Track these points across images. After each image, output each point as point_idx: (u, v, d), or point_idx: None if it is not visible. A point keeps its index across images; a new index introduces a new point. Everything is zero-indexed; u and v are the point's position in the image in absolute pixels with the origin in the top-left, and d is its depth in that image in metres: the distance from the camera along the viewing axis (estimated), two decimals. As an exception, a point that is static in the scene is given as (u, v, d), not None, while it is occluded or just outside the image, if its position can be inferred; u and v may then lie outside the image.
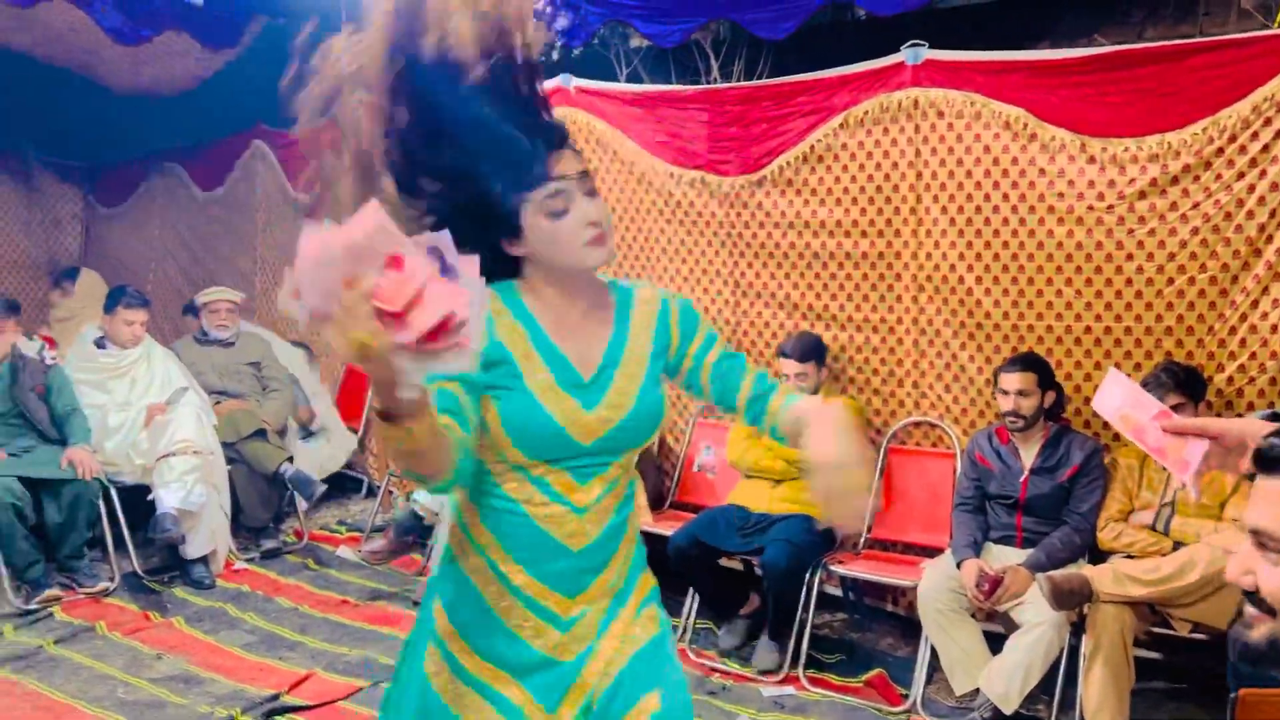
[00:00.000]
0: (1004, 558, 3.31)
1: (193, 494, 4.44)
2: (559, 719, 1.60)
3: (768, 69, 4.54)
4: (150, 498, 4.48)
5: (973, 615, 3.29)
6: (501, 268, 1.55)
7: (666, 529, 3.97)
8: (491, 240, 1.52)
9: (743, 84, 4.28)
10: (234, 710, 3.25)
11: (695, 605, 3.90)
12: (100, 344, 4.86)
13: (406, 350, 1.07)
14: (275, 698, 3.34)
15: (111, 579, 4.39)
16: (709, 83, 4.69)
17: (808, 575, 3.60)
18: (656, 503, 4.33)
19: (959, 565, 3.27)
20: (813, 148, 3.95)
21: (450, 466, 1.36)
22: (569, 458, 1.55)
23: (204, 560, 4.55)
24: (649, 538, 4.24)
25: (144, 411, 4.68)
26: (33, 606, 4.11)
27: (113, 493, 4.46)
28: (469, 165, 1.48)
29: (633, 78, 5.06)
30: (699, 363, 1.69)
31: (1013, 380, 3.31)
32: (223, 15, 5.16)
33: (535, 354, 1.54)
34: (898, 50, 3.70)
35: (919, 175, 3.74)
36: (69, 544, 4.32)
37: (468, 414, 1.45)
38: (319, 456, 5.41)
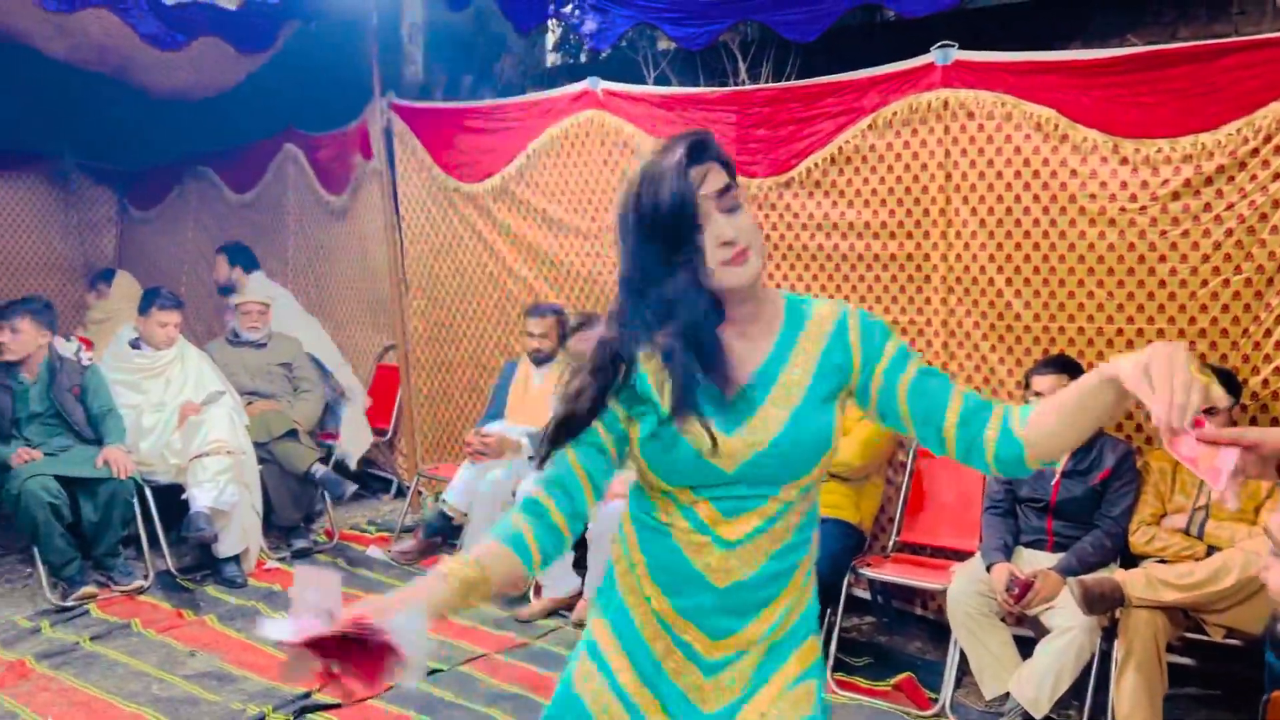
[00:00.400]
0: (1034, 561, 3.29)
1: (225, 493, 4.50)
2: None
3: (796, 71, 4.54)
4: (184, 497, 4.54)
5: (1002, 619, 3.27)
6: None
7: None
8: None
9: (771, 85, 4.28)
10: (266, 707, 3.29)
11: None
12: (135, 345, 4.93)
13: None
14: (307, 695, 3.37)
15: (146, 577, 4.45)
16: (737, 85, 4.70)
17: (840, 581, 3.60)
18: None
19: (989, 569, 3.26)
20: (841, 149, 3.94)
21: (519, 569, 1.45)
22: (711, 485, 1.46)
23: (236, 559, 4.60)
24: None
25: (178, 412, 4.74)
26: (69, 603, 4.18)
27: (147, 492, 4.53)
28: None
29: (660, 80, 5.08)
30: (891, 383, 1.48)
31: (1046, 382, 3.29)
32: (256, 20, 5.21)
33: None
34: (927, 51, 3.69)
35: (948, 177, 3.72)
36: (104, 542, 4.39)
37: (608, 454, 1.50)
38: (357, 423, 5.57)
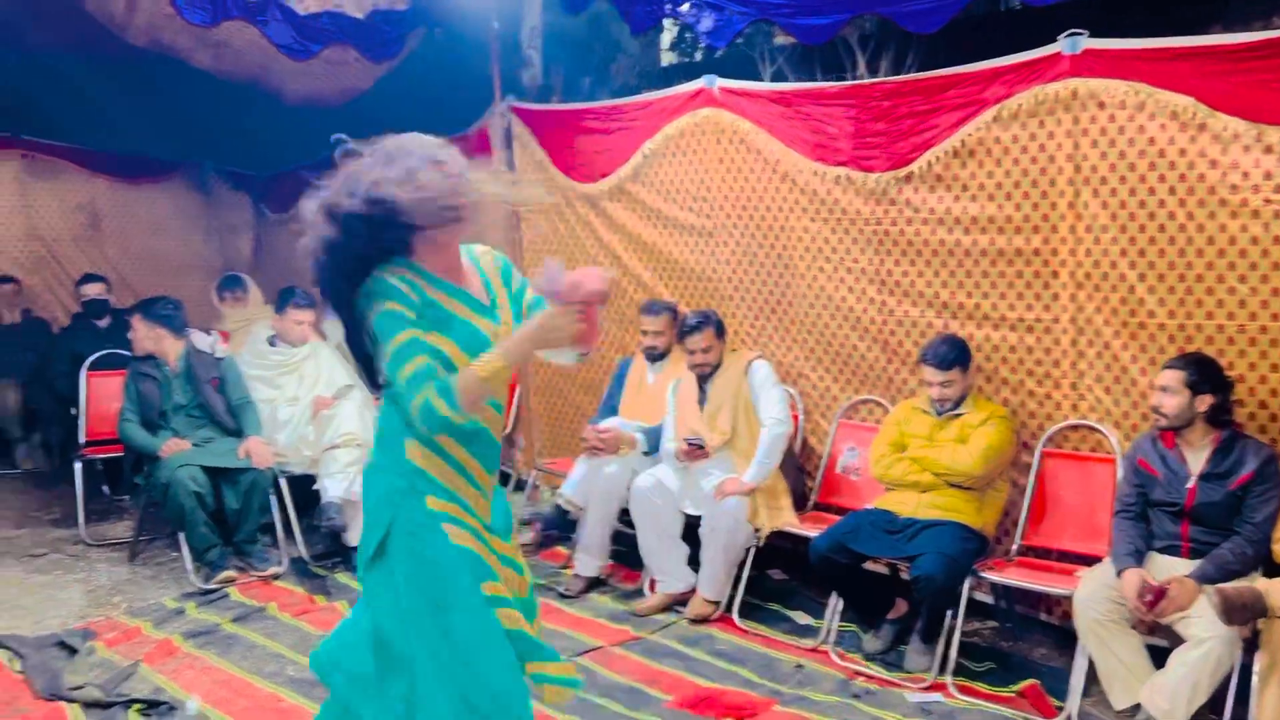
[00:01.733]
0: (1169, 568, 3.16)
1: (355, 484, 4.68)
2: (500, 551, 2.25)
3: (916, 64, 4.46)
4: (316, 487, 4.75)
5: (1134, 627, 3.15)
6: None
7: (810, 531, 3.95)
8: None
9: (890, 79, 4.21)
10: (393, 691, 3.40)
11: (839, 608, 3.86)
12: (271, 342, 5.17)
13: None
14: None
15: (281, 563, 4.67)
16: (855, 79, 4.64)
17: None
18: (799, 504, 4.31)
19: (1119, 574, 3.14)
20: (964, 142, 3.86)
21: None
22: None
23: (364, 548, 4.78)
24: (791, 538, 4.23)
25: (311, 405, 4.96)
26: (212, 586, 4.42)
27: (282, 482, 4.75)
28: None
29: (777, 76, 5.06)
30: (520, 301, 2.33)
31: (1162, 376, 3.20)
32: (384, 28, 5.40)
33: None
34: (1053, 40, 3.57)
35: (1077, 169, 3.60)
36: (245, 529, 4.63)
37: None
38: None
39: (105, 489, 5.85)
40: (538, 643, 2.25)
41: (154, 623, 4.04)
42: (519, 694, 2.15)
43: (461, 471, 2.18)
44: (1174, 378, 3.18)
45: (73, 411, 5.52)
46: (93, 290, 6.40)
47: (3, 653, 3.71)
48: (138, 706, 3.28)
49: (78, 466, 5.21)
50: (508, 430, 5.98)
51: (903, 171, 4.05)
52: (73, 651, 3.71)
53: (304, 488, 4.87)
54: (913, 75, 4.16)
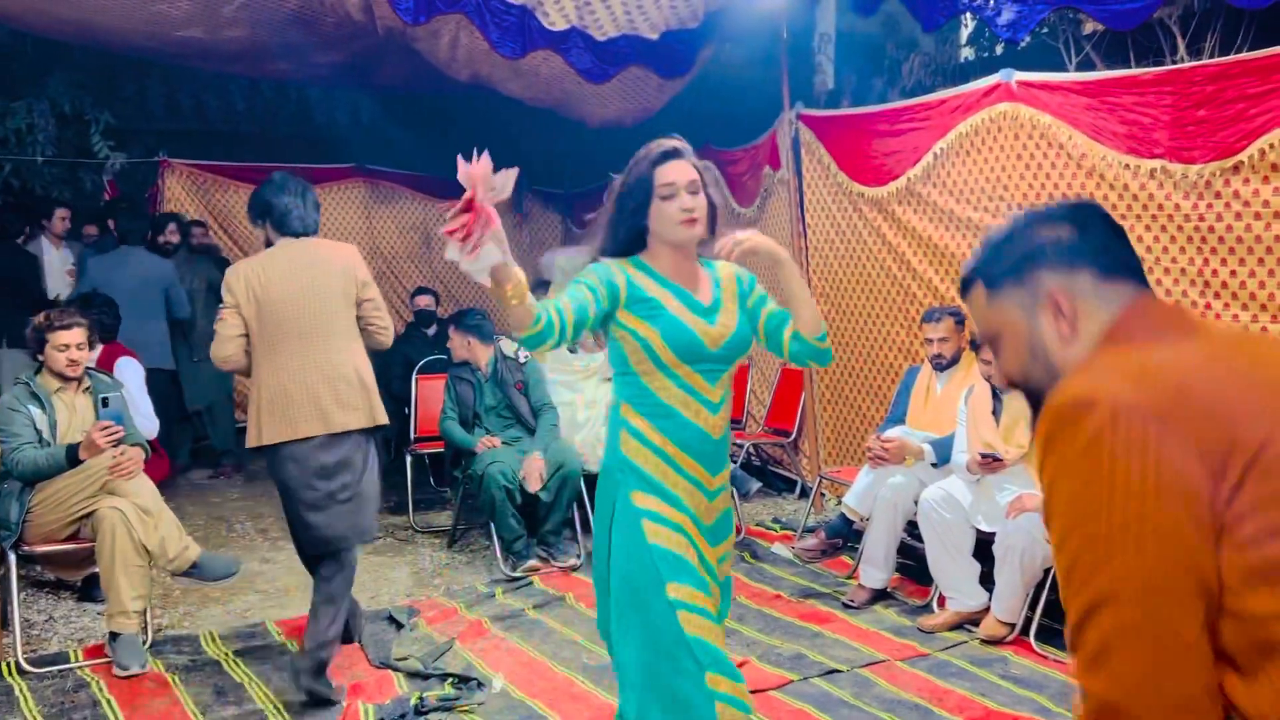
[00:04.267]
0: None
1: (645, 484, 4.88)
2: (713, 555, 2.36)
3: (1249, 43, 4.01)
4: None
5: None
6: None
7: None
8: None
9: (1216, 60, 3.82)
10: (676, 686, 3.52)
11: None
12: (573, 349, 5.51)
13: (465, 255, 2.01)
14: (713, 679, 3.57)
15: (579, 556, 4.96)
16: (1174, 63, 4.25)
17: None
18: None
19: None
20: (1305, 126, 3.43)
21: (529, 318, 2.15)
22: (699, 360, 2.31)
23: (655, 546, 4.98)
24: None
25: (606, 408, 5.24)
26: (518, 574, 4.78)
27: (582, 480, 5.04)
28: None
29: (1084, 66, 4.74)
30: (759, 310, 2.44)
31: None
32: (677, 47, 5.61)
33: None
34: None
35: None
36: (551, 521, 4.95)
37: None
38: None
39: (431, 481, 6.48)
40: (720, 655, 2.23)
41: (467, 604, 4.42)
42: (695, 701, 2.16)
43: (673, 465, 2.28)
44: None
45: (406, 411, 6.16)
46: (423, 302, 7.11)
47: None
48: (451, 680, 3.61)
49: (409, 460, 5.81)
50: (793, 436, 6.00)
51: (1230, 161, 3.66)
52: (399, 626, 4.15)
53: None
54: (1243, 55, 3.75)
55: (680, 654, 2.18)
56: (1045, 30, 5.15)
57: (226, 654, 3.89)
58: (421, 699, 3.41)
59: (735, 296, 2.41)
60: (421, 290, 7.29)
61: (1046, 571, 3.88)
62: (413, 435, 5.99)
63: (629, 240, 2.36)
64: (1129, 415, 1.09)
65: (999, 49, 6.21)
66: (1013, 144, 4.48)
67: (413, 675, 3.66)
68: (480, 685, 3.56)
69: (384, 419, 3.56)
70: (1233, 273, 3.76)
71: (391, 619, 4.23)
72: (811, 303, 2.39)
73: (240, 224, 7.82)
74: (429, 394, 6.00)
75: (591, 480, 5.09)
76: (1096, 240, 1.30)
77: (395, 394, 6.38)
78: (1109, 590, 1.09)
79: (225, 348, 3.43)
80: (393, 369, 6.41)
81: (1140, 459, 1.08)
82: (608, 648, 2.43)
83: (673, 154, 2.31)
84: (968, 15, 5.58)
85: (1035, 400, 1.32)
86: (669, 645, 2.19)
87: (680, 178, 2.28)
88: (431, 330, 7.02)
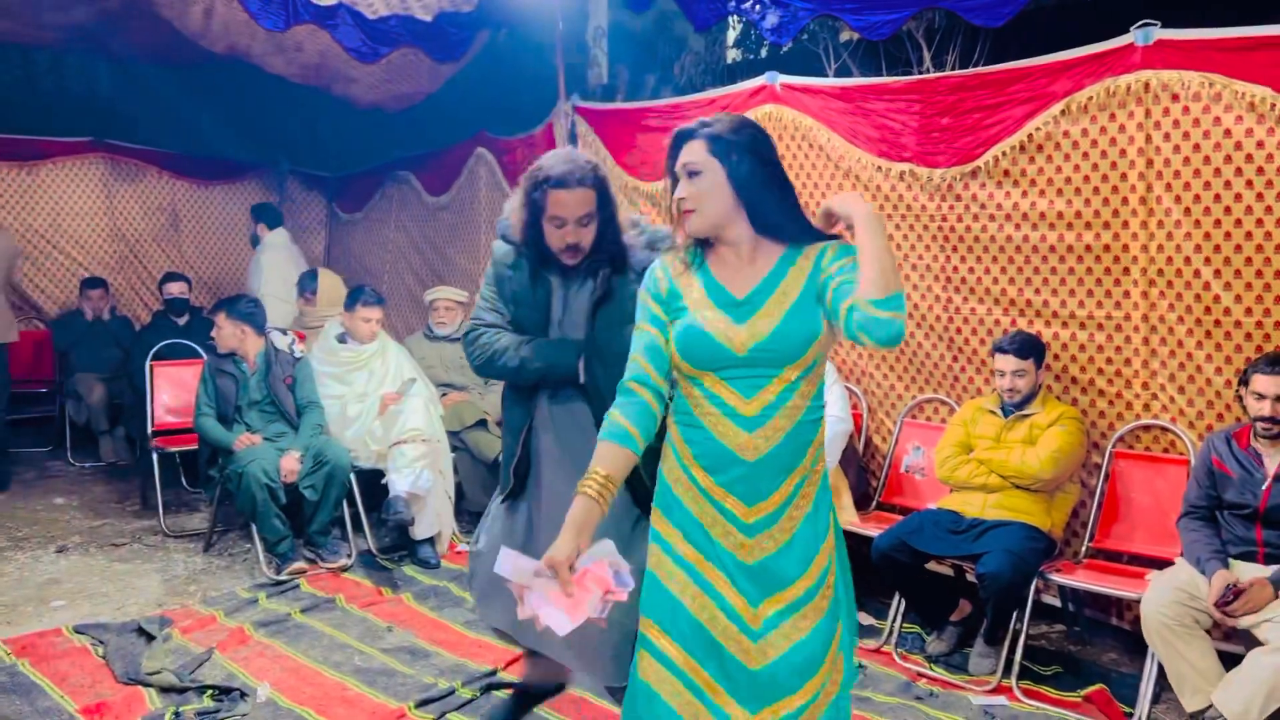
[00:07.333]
0: (1245, 574, 3.04)
1: (421, 479, 4.76)
2: (758, 614, 1.97)
3: (984, 58, 4.39)
4: (383, 481, 4.84)
5: (1208, 631, 3.06)
6: None
7: (872, 530, 3.91)
8: None
9: (956, 73, 4.15)
10: (455, 682, 3.46)
11: (902, 609, 3.82)
12: (341, 339, 5.29)
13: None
14: (493, 673, 3.53)
15: (349, 556, 4.77)
16: (921, 74, 4.59)
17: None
18: (862, 503, 4.27)
19: (1208, 576, 3.02)
20: (1030, 136, 3.78)
21: (631, 455, 1.97)
22: (727, 366, 1.95)
23: (430, 541, 4.87)
24: (853, 538, 4.17)
25: (379, 401, 5.06)
26: (283, 577, 4.54)
27: (351, 477, 4.85)
28: None
29: (842, 72, 5.01)
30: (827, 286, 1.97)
31: (1273, 384, 3.04)
32: (451, 31, 5.49)
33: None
34: (1125, 32, 3.49)
35: (1149, 163, 3.51)
36: (319, 520, 4.73)
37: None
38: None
39: (184, 481, 6.04)
40: (668, 715, 1.97)
41: (227, 612, 4.16)
42: None
43: (700, 488, 1.98)
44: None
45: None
46: (174, 289, 6.61)
47: (86, 638, 3.86)
48: (210, 692, 3.38)
49: (154, 457, 5.37)
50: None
51: (969, 167, 3.99)
52: (150, 638, 3.84)
53: (372, 482, 4.98)
54: (979, 69, 4.10)
55: (634, 691, 2.03)
56: (806, 37, 5.42)
57: (-58, 681, 3.46)
58: (178, 714, 3.17)
59: (801, 286, 1.96)
60: (172, 276, 6.77)
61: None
62: (149, 428, 5.52)
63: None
64: None
65: (764, 52, 6.49)
66: (777, 145, 4.68)
67: (166, 690, 3.40)
68: (243, 695, 3.35)
69: None
70: (970, 269, 4.10)
71: (141, 630, 3.91)
72: (880, 259, 1.82)
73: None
74: (169, 382, 5.59)
75: (363, 477, 4.97)
76: None
77: (141, 389, 5.89)
78: None
79: None
80: (137, 361, 5.92)
81: None
82: None
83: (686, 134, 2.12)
84: (735, 18, 5.80)
85: None
86: (632, 674, 2.04)
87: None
88: (184, 319, 6.55)
